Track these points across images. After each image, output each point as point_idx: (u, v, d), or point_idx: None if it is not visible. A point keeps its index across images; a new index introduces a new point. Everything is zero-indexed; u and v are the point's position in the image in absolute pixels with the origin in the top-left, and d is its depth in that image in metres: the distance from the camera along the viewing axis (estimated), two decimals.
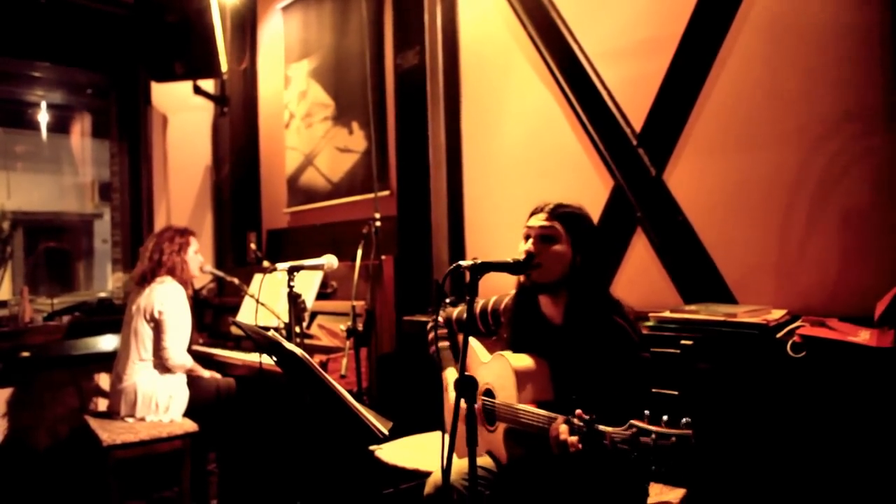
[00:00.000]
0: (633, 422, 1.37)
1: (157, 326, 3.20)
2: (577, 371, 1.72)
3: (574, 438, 1.48)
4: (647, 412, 1.36)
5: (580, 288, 1.77)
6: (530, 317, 1.88)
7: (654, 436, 1.31)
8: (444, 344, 2.20)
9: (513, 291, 1.97)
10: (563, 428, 1.52)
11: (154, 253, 3.32)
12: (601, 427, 1.44)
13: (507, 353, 1.85)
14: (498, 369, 1.85)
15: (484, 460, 1.87)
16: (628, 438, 1.36)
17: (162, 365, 3.18)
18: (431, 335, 2.25)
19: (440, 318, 2.25)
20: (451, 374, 2.11)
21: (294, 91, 4.47)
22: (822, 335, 1.86)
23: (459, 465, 1.74)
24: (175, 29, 4.20)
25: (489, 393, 1.90)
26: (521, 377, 1.77)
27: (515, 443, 1.80)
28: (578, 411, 1.50)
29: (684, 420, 1.31)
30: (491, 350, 2.01)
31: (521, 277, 1.81)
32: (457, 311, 2.21)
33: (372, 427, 1.79)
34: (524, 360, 1.82)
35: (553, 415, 1.59)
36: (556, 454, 1.53)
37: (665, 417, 1.33)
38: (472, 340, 2.10)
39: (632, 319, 1.76)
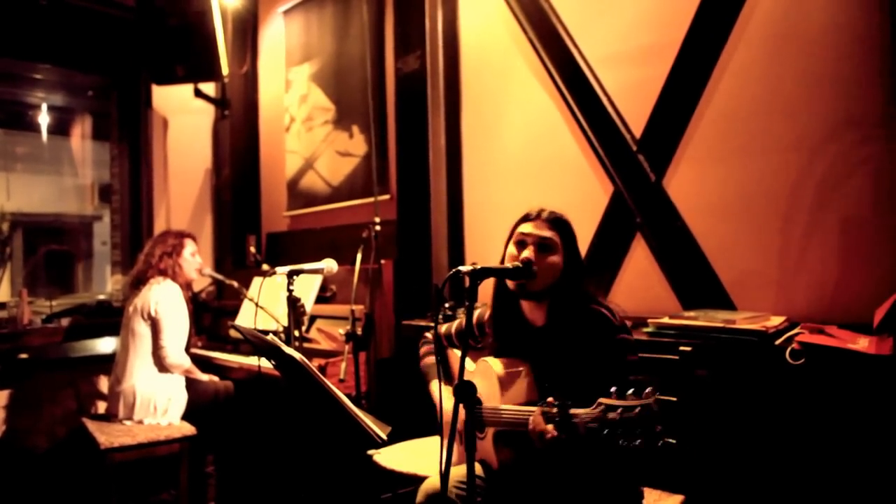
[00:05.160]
0: (600, 399, 1.38)
1: (154, 325, 3.21)
2: (559, 369, 1.73)
3: (550, 426, 1.49)
4: (613, 389, 1.37)
5: (564, 294, 1.77)
6: (512, 321, 1.88)
7: (619, 410, 1.33)
8: (430, 359, 2.21)
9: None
10: (539, 418, 1.53)
11: (147, 256, 3.35)
12: (573, 410, 1.45)
13: (490, 359, 1.85)
14: (482, 376, 1.86)
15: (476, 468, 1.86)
16: (597, 416, 1.37)
17: (160, 365, 3.19)
18: (424, 349, 2.26)
19: (430, 336, 2.27)
20: (435, 387, 2.12)
21: (295, 95, 4.48)
22: (820, 342, 1.86)
23: (453, 472, 1.73)
24: (176, 32, 4.22)
25: (477, 400, 1.90)
26: (504, 381, 1.78)
27: (504, 445, 1.80)
28: (550, 399, 1.51)
29: (648, 389, 1.33)
30: (475, 357, 2.01)
31: (510, 283, 1.80)
32: (444, 328, 2.23)
33: (370, 432, 1.79)
34: (506, 365, 1.82)
35: (530, 408, 1.60)
36: (538, 448, 1.54)
37: (631, 391, 1.34)
38: (458, 353, 2.12)
39: (608, 305, 1.77)
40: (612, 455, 1.54)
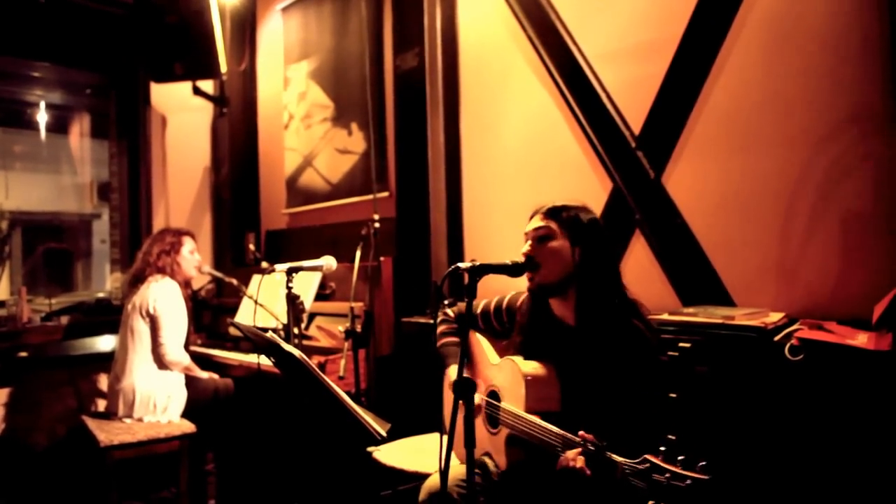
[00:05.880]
0: (647, 457, 1.34)
1: (153, 323, 3.21)
2: (589, 378, 1.70)
3: (581, 462, 1.46)
4: (662, 448, 1.32)
5: (587, 283, 1.75)
6: (542, 321, 1.86)
7: (668, 475, 1.29)
8: (453, 339, 2.15)
9: (526, 292, 1.96)
10: (573, 452, 1.50)
11: (146, 254, 3.36)
12: (614, 457, 1.42)
13: (518, 359, 1.82)
14: (507, 373, 1.84)
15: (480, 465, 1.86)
16: (640, 472, 1.34)
17: (160, 362, 3.19)
18: (442, 327, 2.20)
19: (451, 313, 2.21)
20: (453, 372, 2.07)
21: (293, 92, 4.47)
22: (820, 338, 1.86)
23: (455, 470, 1.73)
24: (175, 29, 4.21)
25: (495, 395, 1.89)
26: (531, 385, 1.75)
27: (518, 450, 1.78)
28: (589, 436, 1.48)
29: (701, 463, 1.27)
30: (500, 351, 2.00)
31: (529, 283, 1.80)
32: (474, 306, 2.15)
33: (370, 428, 1.79)
34: (534, 367, 1.79)
35: (565, 435, 1.56)
36: (561, 476, 1.51)
37: (681, 457, 1.29)
38: (483, 340, 2.09)
39: (649, 321, 1.75)
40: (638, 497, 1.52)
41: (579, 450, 1.49)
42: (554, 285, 1.77)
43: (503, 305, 2.04)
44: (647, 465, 1.33)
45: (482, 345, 2.06)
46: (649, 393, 1.65)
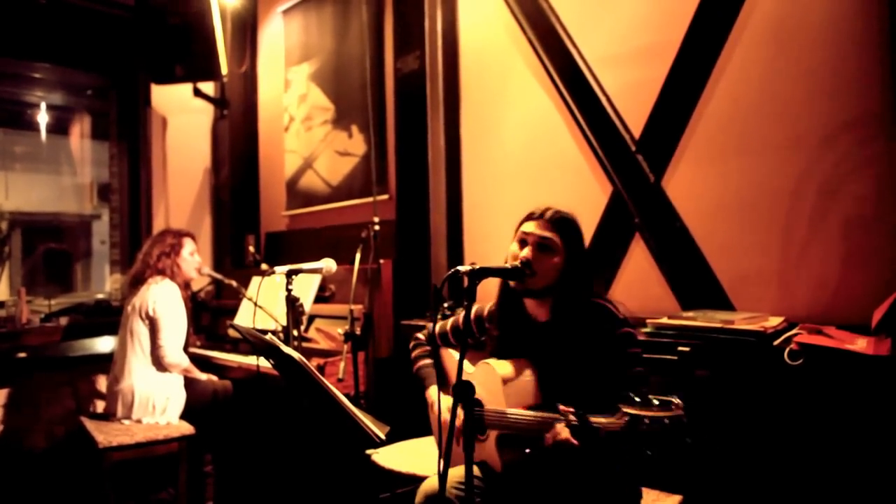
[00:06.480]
0: (624, 409, 1.37)
1: (152, 325, 3.21)
2: (563, 366, 1.73)
3: (567, 433, 1.50)
4: (635, 397, 1.36)
5: (567, 291, 1.79)
6: (516, 318, 1.89)
7: (647, 421, 1.32)
8: (428, 361, 2.19)
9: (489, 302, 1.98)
10: (559, 426, 1.52)
11: (146, 255, 3.35)
12: (595, 419, 1.45)
13: (492, 361, 1.85)
14: (483, 378, 1.85)
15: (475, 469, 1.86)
16: (621, 425, 1.37)
17: (159, 364, 3.19)
18: (416, 351, 2.24)
19: (422, 336, 2.25)
20: (433, 392, 2.10)
21: (294, 94, 4.48)
22: (819, 343, 1.86)
23: (452, 473, 1.73)
24: (176, 31, 4.22)
25: (477, 402, 1.89)
26: (509, 383, 1.78)
27: (509, 448, 1.79)
28: (568, 408, 1.52)
29: (675, 400, 1.33)
30: (473, 361, 2.00)
31: (511, 282, 1.81)
32: (439, 326, 2.21)
33: (369, 431, 1.79)
34: (510, 367, 1.82)
35: (547, 415, 1.59)
36: (552, 454, 1.54)
37: (655, 401, 1.34)
38: (453, 353, 2.13)
39: (610, 300, 1.80)
40: (630, 459, 1.54)
41: (563, 423, 1.52)
42: (538, 291, 1.80)
43: (471, 317, 2.05)
44: (626, 417, 1.36)
45: (454, 358, 2.09)
46: (621, 360, 1.69)
